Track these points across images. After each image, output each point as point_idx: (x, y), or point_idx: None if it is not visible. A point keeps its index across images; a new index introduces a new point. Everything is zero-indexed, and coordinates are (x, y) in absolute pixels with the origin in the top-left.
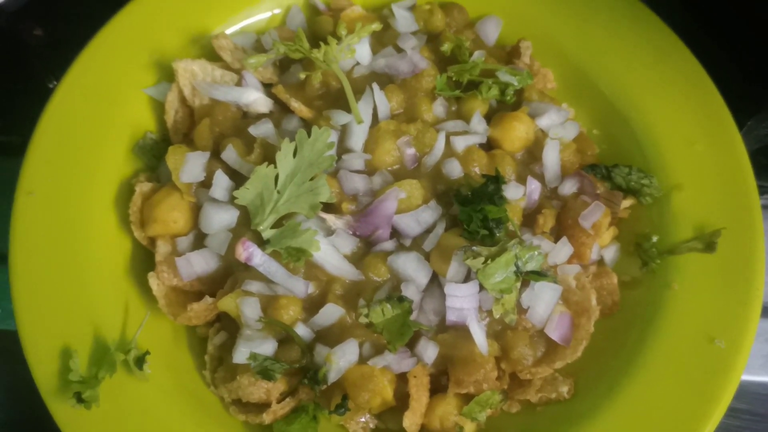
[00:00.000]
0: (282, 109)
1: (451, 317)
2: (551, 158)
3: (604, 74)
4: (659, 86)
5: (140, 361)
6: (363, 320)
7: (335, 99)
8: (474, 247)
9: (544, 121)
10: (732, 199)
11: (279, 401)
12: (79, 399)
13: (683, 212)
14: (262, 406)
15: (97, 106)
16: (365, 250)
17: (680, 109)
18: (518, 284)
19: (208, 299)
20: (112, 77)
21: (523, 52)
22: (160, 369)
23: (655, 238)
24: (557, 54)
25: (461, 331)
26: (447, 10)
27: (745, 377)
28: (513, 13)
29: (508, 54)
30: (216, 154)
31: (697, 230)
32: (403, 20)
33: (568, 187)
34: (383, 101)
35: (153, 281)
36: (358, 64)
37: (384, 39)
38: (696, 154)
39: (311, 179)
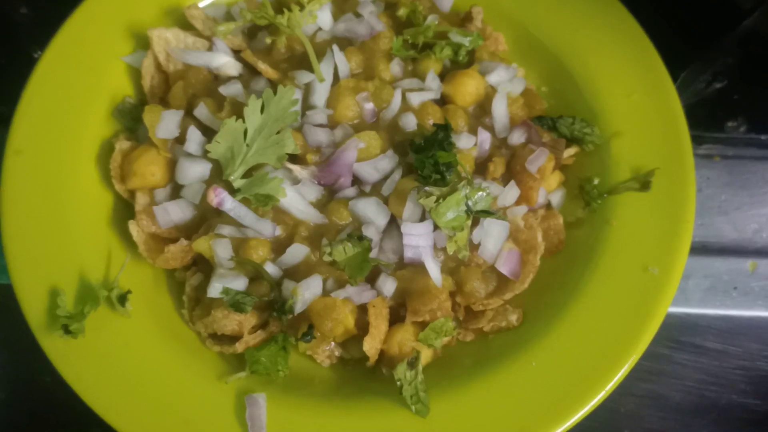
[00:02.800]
0: (250, 72)
1: (408, 254)
2: (500, 110)
3: (551, 36)
4: (600, 45)
5: (122, 299)
6: (326, 258)
7: (299, 62)
8: (426, 188)
9: (493, 78)
10: (666, 143)
11: (251, 333)
12: (66, 330)
13: (622, 156)
14: (236, 339)
15: (79, 74)
16: (329, 198)
17: (619, 64)
18: (469, 222)
19: (183, 241)
20: (92, 47)
21: (475, 16)
22: (141, 307)
23: (596, 180)
24: (508, 19)
25: (418, 267)
26: None
27: (687, 310)
28: None
29: (462, 20)
30: (190, 113)
31: (634, 172)
32: None
33: (516, 137)
34: (343, 61)
35: (133, 228)
36: (320, 29)
37: (344, 7)
38: (633, 104)
39: (277, 133)
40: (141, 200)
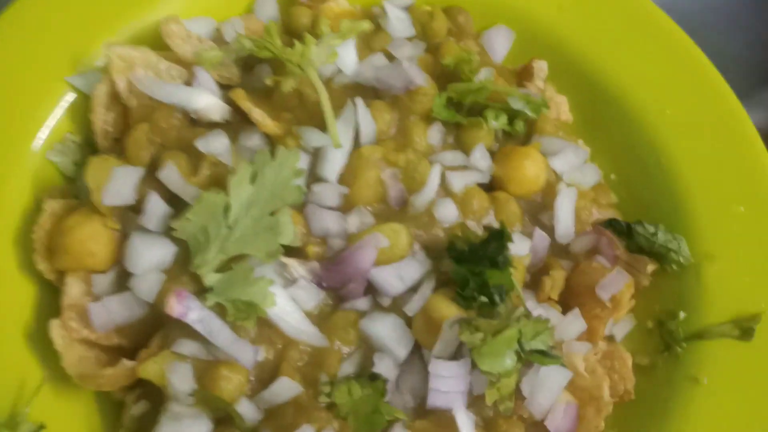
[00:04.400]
0: (241, 119)
1: (435, 401)
2: (565, 208)
3: (630, 107)
4: (695, 130)
5: None
6: (324, 400)
7: (309, 114)
8: (472, 320)
9: (559, 162)
10: None
11: None
12: None
13: (717, 287)
14: None
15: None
16: (333, 308)
17: (719, 161)
18: (519, 366)
19: (126, 363)
20: (25, 60)
21: (536, 73)
22: None
23: (682, 315)
24: (575, 79)
25: (443, 418)
26: (450, 15)
27: None
28: (525, 26)
29: (518, 74)
30: (152, 171)
31: (733, 312)
32: (398, 22)
33: (582, 245)
34: (368, 121)
35: (56, 331)
36: (340, 71)
37: (373, 43)
38: (736, 218)
39: (271, 214)
40: (72, 289)
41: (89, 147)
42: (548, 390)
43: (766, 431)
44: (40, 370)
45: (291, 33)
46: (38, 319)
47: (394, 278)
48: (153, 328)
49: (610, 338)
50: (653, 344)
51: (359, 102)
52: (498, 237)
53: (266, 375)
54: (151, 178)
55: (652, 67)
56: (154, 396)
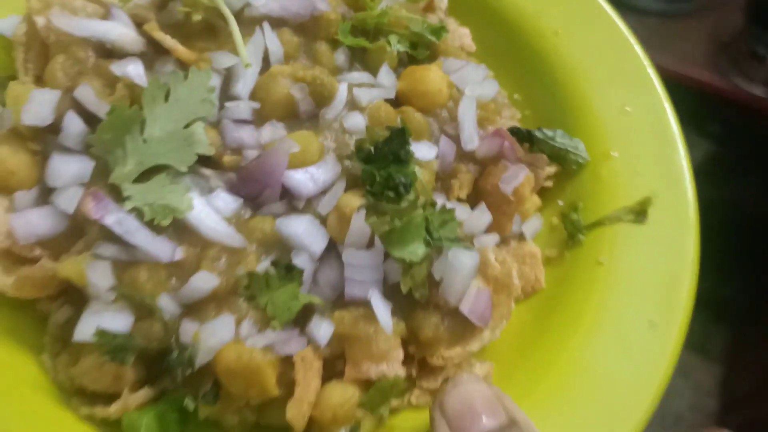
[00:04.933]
0: (155, 51)
1: (351, 290)
2: (468, 116)
3: (528, 36)
4: (586, 51)
5: None
6: (242, 293)
7: (220, 44)
8: (378, 207)
9: (459, 77)
10: (663, 166)
11: (132, 391)
12: None
13: (612, 179)
14: (113, 398)
15: None
16: (249, 215)
17: (608, 73)
18: (428, 252)
19: (46, 262)
20: None
21: (438, 5)
22: None
23: (581, 206)
24: (476, 13)
25: (362, 307)
26: None
27: None
28: None
29: (423, 9)
30: (69, 95)
31: (627, 199)
32: None
33: (486, 149)
34: (276, 43)
35: None
36: (248, 5)
37: None
38: (625, 118)
39: (186, 127)
40: None
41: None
42: (459, 274)
43: (658, 299)
44: None
45: None
46: None
47: (307, 180)
48: (72, 240)
49: (521, 236)
50: (559, 238)
51: (266, 26)
52: (399, 134)
53: (184, 273)
54: (68, 102)
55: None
56: (77, 301)
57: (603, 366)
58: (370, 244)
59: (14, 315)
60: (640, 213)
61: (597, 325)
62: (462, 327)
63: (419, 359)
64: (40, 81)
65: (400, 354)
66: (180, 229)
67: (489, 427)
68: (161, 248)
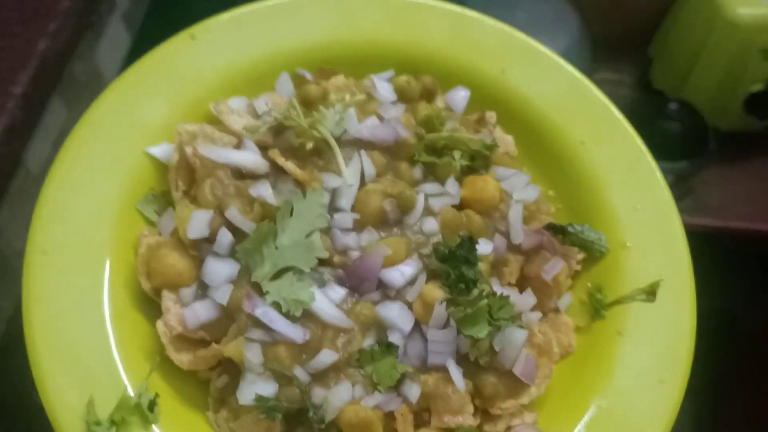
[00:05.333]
0: (276, 171)
1: (433, 360)
2: (516, 217)
3: (558, 143)
4: (606, 158)
5: (152, 405)
6: (354, 364)
7: (326, 164)
8: (454, 299)
9: (508, 184)
10: (668, 256)
11: None
12: None
13: (628, 266)
14: None
15: (102, 165)
16: (354, 303)
17: (624, 179)
18: (491, 330)
19: (214, 346)
20: (114, 138)
21: (488, 120)
22: (167, 413)
23: (603, 287)
24: (516, 123)
25: (441, 372)
26: (420, 81)
27: None
28: (477, 84)
29: (475, 122)
30: (218, 212)
31: (641, 282)
32: (384, 90)
33: (530, 243)
34: (369, 165)
35: (161, 328)
36: (345, 131)
37: (367, 108)
38: (638, 217)
39: (306, 237)
40: (168, 300)
41: (165, 199)
42: (513, 346)
43: (666, 362)
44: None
45: (305, 104)
46: (145, 323)
47: (397, 275)
48: (224, 325)
49: (556, 310)
50: (587, 312)
51: (362, 153)
52: (468, 241)
53: (312, 352)
54: (218, 219)
55: (573, 113)
56: (232, 371)
57: (623, 413)
58: (446, 325)
59: (181, 379)
60: (650, 293)
61: (618, 382)
62: (514, 385)
63: (482, 410)
64: (187, 195)
65: (471, 408)
66: (305, 316)
67: None
68: (295, 332)
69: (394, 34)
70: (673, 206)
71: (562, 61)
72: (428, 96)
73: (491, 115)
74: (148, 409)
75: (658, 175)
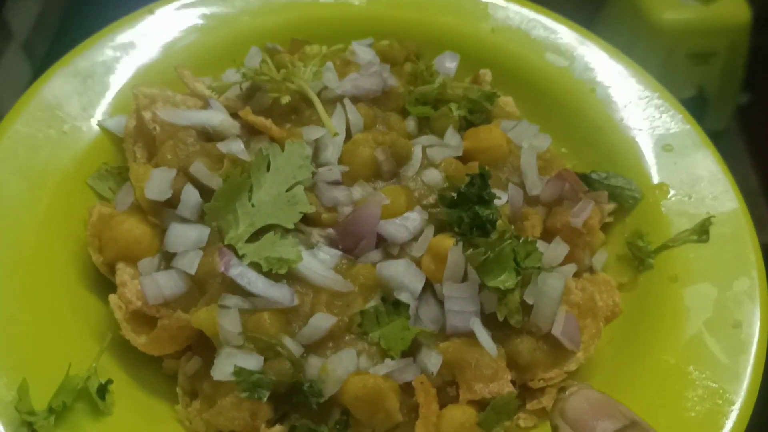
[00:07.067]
0: (250, 133)
1: (453, 321)
2: (530, 163)
3: (566, 96)
4: (622, 100)
5: (101, 391)
6: (356, 331)
7: (304, 122)
8: (471, 240)
9: (516, 134)
10: (712, 188)
11: (268, 427)
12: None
13: (668, 207)
14: None
15: (48, 139)
16: (350, 265)
17: (647, 118)
18: (519, 281)
19: (180, 313)
20: (64, 110)
21: (483, 79)
22: (124, 402)
23: (645, 233)
24: (513, 83)
25: (464, 338)
26: (404, 46)
27: None
28: (467, 47)
29: (470, 82)
30: (181, 173)
31: (684, 224)
32: (364, 54)
33: (550, 192)
34: (356, 115)
35: (114, 302)
36: (325, 88)
37: (346, 70)
38: (668, 155)
39: (288, 190)
40: (124, 273)
41: (122, 176)
42: (548, 297)
43: (739, 301)
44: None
45: (279, 67)
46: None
47: (400, 228)
48: (194, 300)
49: (591, 270)
50: (628, 265)
51: (347, 101)
52: (480, 177)
53: (303, 320)
54: (182, 179)
55: (577, 62)
56: (205, 352)
57: (696, 368)
58: (464, 279)
59: (144, 368)
60: (702, 232)
61: (683, 334)
62: (556, 350)
63: (520, 385)
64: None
65: (508, 374)
66: (292, 280)
67: (613, 428)
68: (281, 294)
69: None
70: (705, 137)
71: (552, 14)
72: (414, 60)
73: (485, 72)
74: (98, 396)
75: (680, 107)
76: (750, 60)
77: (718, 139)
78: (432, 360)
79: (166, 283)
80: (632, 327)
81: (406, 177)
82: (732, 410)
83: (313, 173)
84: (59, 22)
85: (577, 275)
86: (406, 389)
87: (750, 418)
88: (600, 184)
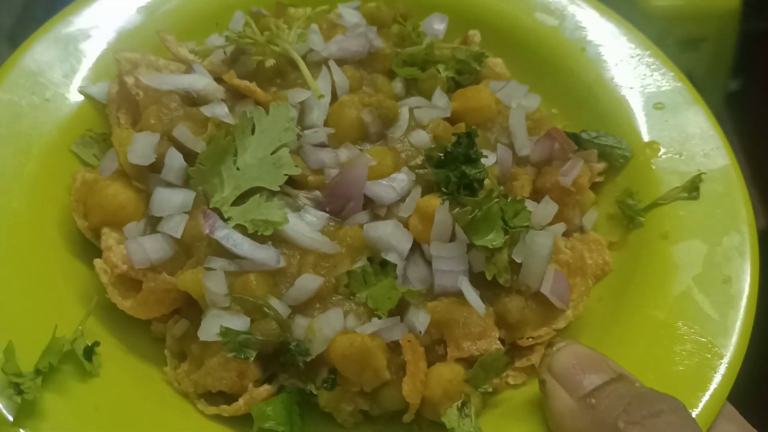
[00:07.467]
0: (234, 97)
1: (441, 281)
2: (519, 124)
3: (556, 57)
4: (613, 59)
5: (88, 353)
6: (343, 290)
7: (290, 85)
8: (458, 198)
9: (505, 94)
10: (703, 144)
11: (256, 386)
12: (18, 391)
13: (657, 167)
14: (234, 398)
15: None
16: (337, 227)
17: (638, 76)
18: (507, 240)
19: (165, 276)
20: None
21: (473, 39)
22: (112, 365)
23: (635, 191)
24: (506, 42)
25: (452, 297)
26: (391, 7)
27: None
28: (456, 8)
29: (459, 44)
30: (165, 138)
31: (674, 182)
32: (350, 16)
33: (540, 152)
34: (342, 76)
35: (100, 266)
36: (311, 50)
37: (331, 33)
38: (658, 113)
39: (273, 153)
40: (109, 238)
41: (106, 142)
42: (537, 255)
43: (729, 257)
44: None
45: (263, 30)
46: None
47: (387, 188)
48: (180, 264)
49: (581, 229)
50: (618, 224)
51: (332, 63)
52: (467, 136)
53: (290, 281)
54: (166, 144)
55: (567, 22)
56: (192, 314)
57: (684, 324)
58: (452, 238)
59: (132, 333)
60: (692, 189)
61: (672, 289)
62: (545, 309)
63: (509, 343)
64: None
65: (496, 331)
66: (278, 242)
67: (600, 381)
68: (267, 255)
69: None
70: (696, 95)
71: None
72: (401, 22)
73: (474, 33)
74: (85, 357)
75: (672, 65)
76: (740, 46)
77: None
78: (420, 319)
79: (152, 247)
80: (622, 285)
81: (394, 138)
82: (721, 363)
83: (299, 136)
84: (44, 13)
85: (567, 234)
86: (395, 348)
87: (739, 371)
88: (590, 143)
